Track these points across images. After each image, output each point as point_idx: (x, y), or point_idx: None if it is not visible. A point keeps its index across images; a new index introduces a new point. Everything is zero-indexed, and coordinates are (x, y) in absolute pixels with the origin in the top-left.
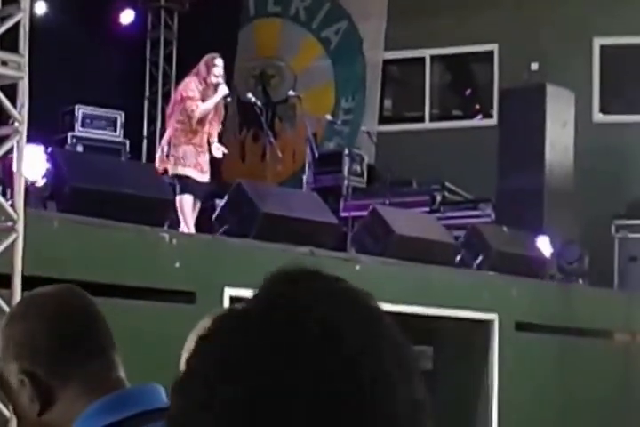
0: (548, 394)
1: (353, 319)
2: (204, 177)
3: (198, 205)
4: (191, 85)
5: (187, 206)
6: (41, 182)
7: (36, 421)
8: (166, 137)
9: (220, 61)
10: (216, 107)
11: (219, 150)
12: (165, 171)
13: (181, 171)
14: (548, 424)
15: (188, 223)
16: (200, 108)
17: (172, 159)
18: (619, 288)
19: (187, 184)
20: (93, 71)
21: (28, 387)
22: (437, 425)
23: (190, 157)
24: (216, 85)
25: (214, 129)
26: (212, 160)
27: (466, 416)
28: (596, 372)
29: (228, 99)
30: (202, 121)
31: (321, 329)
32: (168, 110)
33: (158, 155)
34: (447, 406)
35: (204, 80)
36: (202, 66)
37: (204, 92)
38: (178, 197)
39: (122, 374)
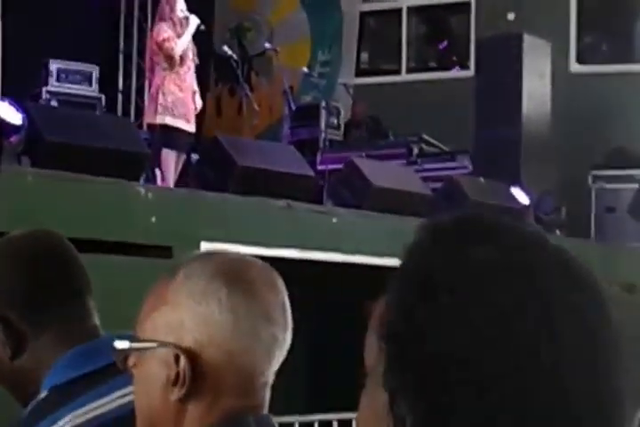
0: None
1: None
2: (192, 127)
3: (183, 157)
4: (162, 30)
5: (169, 161)
6: (19, 125)
7: (8, 365)
8: (155, 87)
9: None
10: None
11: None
12: (152, 124)
13: (170, 121)
14: None
15: (167, 178)
16: (178, 44)
17: (160, 108)
18: (596, 239)
19: (172, 137)
20: (67, 25)
21: (0, 331)
22: None
23: (180, 107)
24: (185, 19)
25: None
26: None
27: None
28: None
29: (202, 27)
30: (183, 59)
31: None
32: (148, 63)
33: (147, 105)
34: None
35: (172, 19)
36: (164, 6)
37: (175, 31)
38: (163, 151)
39: (97, 321)
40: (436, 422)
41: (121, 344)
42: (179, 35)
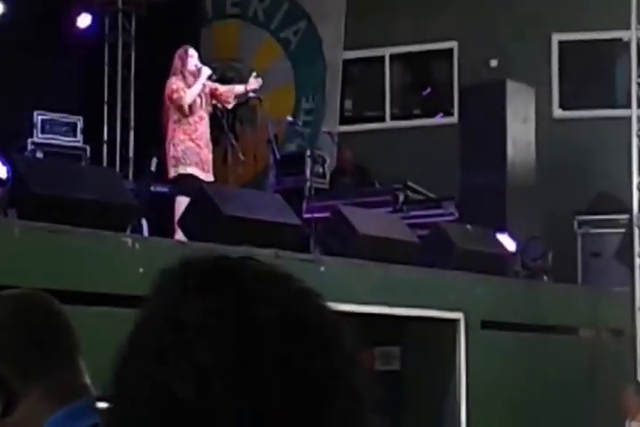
0: (515, 391)
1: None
2: (208, 176)
3: None
4: (172, 83)
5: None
6: (5, 178)
7: None
8: (167, 140)
9: (193, 51)
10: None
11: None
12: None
13: (183, 170)
14: (517, 422)
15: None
16: (188, 93)
17: (172, 160)
18: (582, 284)
19: (186, 185)
20: (51, 76)
21: None
22: (405, 424)
23: (191, 155)
24: (197, 71)
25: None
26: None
27: (434, 416)
28: (563, 368)
29: (214, 77)
30: (192, 108)
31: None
32: (164, 119)
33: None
34: (415, 406)
35: (182, 73)
36: (177, 62)
37: (186, 82)
38: (177, 198)
39: (87, 380)
40: None
41: (102, 405)
42: (189, 86)
